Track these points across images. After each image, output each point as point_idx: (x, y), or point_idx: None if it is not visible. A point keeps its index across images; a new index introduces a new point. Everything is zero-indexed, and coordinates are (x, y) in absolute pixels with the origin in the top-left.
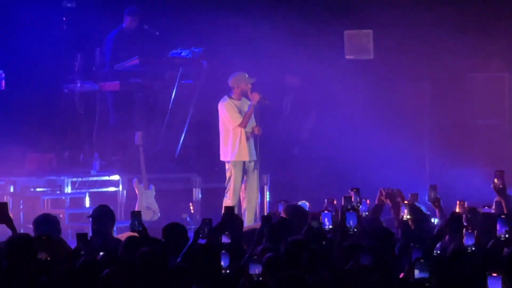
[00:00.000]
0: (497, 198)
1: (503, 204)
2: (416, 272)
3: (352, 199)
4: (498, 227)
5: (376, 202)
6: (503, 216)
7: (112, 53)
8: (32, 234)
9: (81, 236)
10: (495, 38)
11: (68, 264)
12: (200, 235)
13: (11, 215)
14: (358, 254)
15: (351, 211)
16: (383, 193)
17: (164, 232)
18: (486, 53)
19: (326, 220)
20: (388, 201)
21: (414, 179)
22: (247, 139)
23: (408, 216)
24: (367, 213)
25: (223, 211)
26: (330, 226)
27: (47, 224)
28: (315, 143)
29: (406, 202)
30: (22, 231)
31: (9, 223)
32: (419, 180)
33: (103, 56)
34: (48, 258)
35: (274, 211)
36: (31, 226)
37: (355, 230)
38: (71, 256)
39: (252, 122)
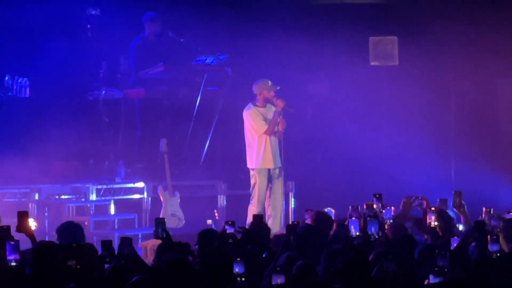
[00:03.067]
0: None
1: None
2: (431, 277)
3: (374, 206)
4: None
5: (400, 208)
6: None
7: (135, 61)
8: (57, 241)
9: (106, 243)
10: None
11: (96, 271)
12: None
13: (36, 222)
14: (382, 261)
15: (372, 218)
16: (405, 206)
17: (199, 238)
18: (511, 58)
19: (352, 227)
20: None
21: (439, 185)
22: (272, 146)
23: (436, 223)
24: (391, 220)
25: (248, 218)
26: (357, 233)
27: (71, 232)
28: (340, 149)
29: (433, 208)
30: (47, 239)
31: (29, 232)
32: (444, 186)
33: (128, 65)
34: (78, 266)
35: (301, 220)
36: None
37: (377, 237)
38: (97, 263)
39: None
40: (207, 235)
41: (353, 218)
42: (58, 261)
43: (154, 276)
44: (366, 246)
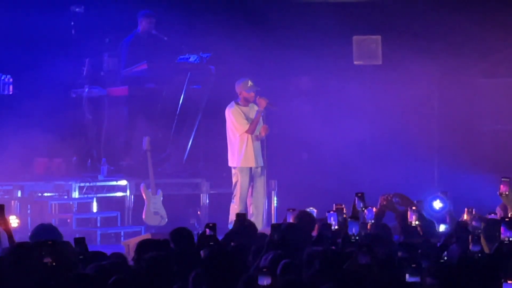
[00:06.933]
0: (501, 204)
1: (509, 209)
2: (407, 276)
3: (356, 205)
4: (502, 230)
5: (378, 207)
6: (507, 219)
7: (127, 57)
8: None
9: (79, 240)
10: (504, 43)
11: (74, 269)
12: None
13: (18, 219)
14: (356, 254)
15: (353, 219)
16: (383, 202)
17: (171, 237)
18: (494, 58)
19: (332, 219)
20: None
21: (422, 184)
22: (254, 144)
23: (417, 222)
24: (373, 221)
25: (230, 217)
26: (336, 227)
27: (46, 233)
28: (323, 148)
29: (414, 208)
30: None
31: (5, 226)
32: (427, 186)
33: (118, 61)
34: (54, 263)
35: (283, 220)
36: None
37: (357, 238)
38: (74, 261)
39: (260, 126)
40: (179, 233)
41: (332, 212)
42: (34, 260)
43: (134, 274)
44: (346, 247)
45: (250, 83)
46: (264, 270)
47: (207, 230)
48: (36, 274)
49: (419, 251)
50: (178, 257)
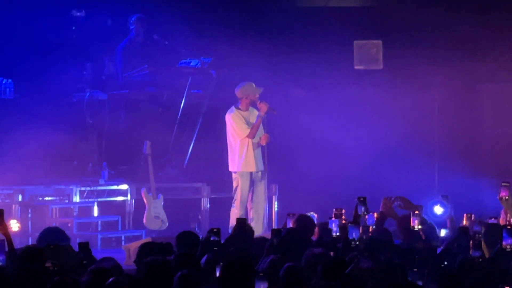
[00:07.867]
0: (505, 208)
1: (509, 215)
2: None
3: (358, 209)
4: (504, 237)
5: (380, 210)
6: (509, 227)
7: (123, 62)
8: None
9: (83, 245)
10: (505, 48)
11: (75, 272)
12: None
13: (19, 223)
14: (358, 258)
15: (353, 224)
16: (384, 208)
17: (177, 240)
18: (495, 63)
19: (333, 225)
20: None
21: (423, 189)
22: (255, 149)
23: (420, 226)
24: (374, 226)
25: (231, 221)
26: (338, 234)
27: (53, 236)
28: (324, 153)
29: (417, 212)
30: (30, 240)
31: (4, 231)
32: (428, 190)
33: (115, 67)
34: (55, 268)
35: (283, 225)
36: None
37: (358, 243)
38: (77, 265)
39: (260, 132)
40: (186, 237)
41: (334, 219)
42: (41, 263)
43: (134, 278)
44: (346, 252)
45: (254, 85)
46: (261, 274)
47: (211, 235)
48: (39, 277)
49: (417, 256)
50: (180, 261)
